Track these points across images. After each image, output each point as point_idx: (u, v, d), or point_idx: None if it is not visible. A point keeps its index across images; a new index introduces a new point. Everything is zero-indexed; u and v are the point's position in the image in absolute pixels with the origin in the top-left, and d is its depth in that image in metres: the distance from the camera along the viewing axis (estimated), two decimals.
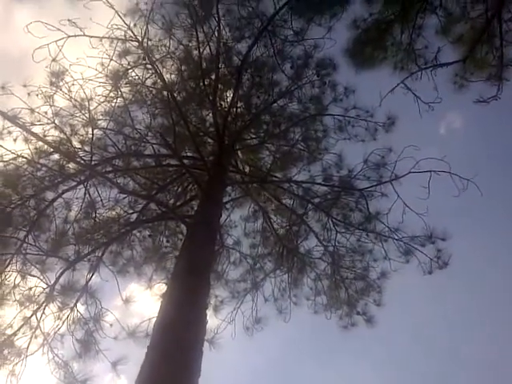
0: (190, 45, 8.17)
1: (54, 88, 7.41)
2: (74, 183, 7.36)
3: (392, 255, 7.85)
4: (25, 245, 6.94)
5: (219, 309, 8.26)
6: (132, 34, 7.11)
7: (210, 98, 7.88)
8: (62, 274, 6.72)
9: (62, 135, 7.32)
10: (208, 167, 7.19)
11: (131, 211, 8.20)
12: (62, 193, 7.36)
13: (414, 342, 12.69)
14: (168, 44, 7.77)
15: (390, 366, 12.99)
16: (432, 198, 7.17)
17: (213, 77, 8.12)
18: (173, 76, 8.34)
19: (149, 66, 7.53)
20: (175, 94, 8.06)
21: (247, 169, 8.98)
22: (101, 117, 7.69)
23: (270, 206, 8.86)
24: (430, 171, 7.14)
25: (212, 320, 7.79)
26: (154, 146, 7.98)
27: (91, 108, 7.36)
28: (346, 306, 8.45)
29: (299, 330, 10.48)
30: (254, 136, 9.09)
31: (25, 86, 7.31)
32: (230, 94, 8.47)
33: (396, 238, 7.69)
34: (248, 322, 8.08)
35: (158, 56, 7.70)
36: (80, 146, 7.57)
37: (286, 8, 7.14)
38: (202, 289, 4.53)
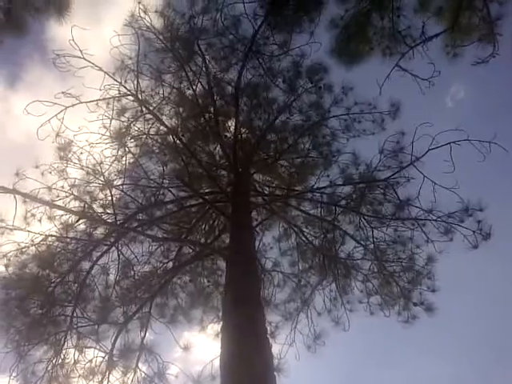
0: (182, 86, 8.31)
1: (65, 161, 7.56)
2: (106, 247, 7.41)
3: (433, 237, 7.69)
4: (74, 319, 6.97)
5: (276, 334, 8.15)
6: (125, 90, 7.24)
7: (214, 131, 7.95)
8: (116, 338, 6.72)
9: (83, 204, 7.41)
10: (229, 197, 7.22)
11: (166, 260, 8.21)
12: (97, 260, 7.41)
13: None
14: (161, 91, 7.89)
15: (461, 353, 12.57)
16: (458, 169, 7.05)
17: (211, 110, 8.22)
18: (173, 120, 8.46)
19: (148, 116, 7.66)
20: (180, 137, 8.17)
21: (267, 190, 8.99)
22: (115, 177, 7.79)
23: (299, 220, 8.80)
24: (449, 143, 7.03)
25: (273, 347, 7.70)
26: (172, 191, 8.03)
27: (104, 171, 7.47)
28: (402, 300, 8.26)
29: (362, 335, 10.24)
30: (265, 157, 9.10)
31: (37, 167, 7.49)
32: (232, 123, 8.53)
33: (433, 218, 7.53)
34: (308, 340, 7.94)
35: (154, 104, 7.82)
36: (102, 210, 7.65)
37: (264, 25, 7.18)
38: (257, 316, 4.49)
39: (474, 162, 6.98)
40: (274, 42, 7.57)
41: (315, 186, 8.43)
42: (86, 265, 7.50)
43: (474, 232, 7.28)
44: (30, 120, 6.63)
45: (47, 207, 7.24)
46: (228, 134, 8.69)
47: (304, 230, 8.77)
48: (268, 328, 7.92)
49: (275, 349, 7.59)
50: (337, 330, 8.16)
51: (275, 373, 6.40)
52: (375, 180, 7.93)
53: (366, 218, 8.10)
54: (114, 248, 7.47)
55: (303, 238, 8.74)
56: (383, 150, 7.82)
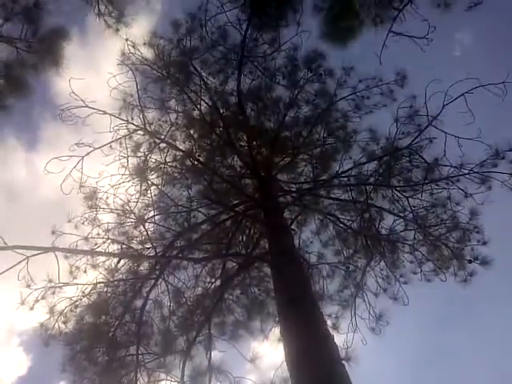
0: (187, 108, 8.41)
1: (94, 209, 7.73)
2: (153, 281, 7.50)
3: (471, 191, 7.53)
4: (140, 357, 7.06)
5: (338, 325, 8.09)
6: (134, 127, 7.37)
7: (228, 144, 8.01)
8: (184, 365, 6.76)
9: (121, 245, 7.54)
10: (259, 203, 7.24)
11: (213, 279, 8.26)
12: (147, 295, 7.50)
13: None
14: (168, 118, 8.01)
15: None
16: (478, 117, 6.88)
17: (221, 124, 8.29)
18: (187, 143, 8.55)
19: (162, 145, 7.76)
20: (197, 158, 8.27)
21: (294, 187, 8.97)
22: (145, 211, 7.91)
23: (333, 208, 8.74)
24: (463, 94, 6.87)
25: (338, 338, 7.65)
26: (202, 211, 8.12)
27: (133, 208, 7.60)
28: (455, 260, 8.09)
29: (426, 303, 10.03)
30: (284, 156, 9.10)
31: (69, 221, 7.68)
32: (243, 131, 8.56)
33: (465, 172, 7.37)
34: (370, 322, 7.84)
35: (165, 133, 7.93)
36: (141, 246, 7.77)
37: (250, 28, 7.21)
38: (313, 311, 4.47)
39: (491, 106, 6.84)
40: (263, 42, 7.59)
41: (340, 171, 8.40)
42: (138, 302, 7.61)
43: (510, 174, 7.09)
44: (54, 177, 6.81)
45: (89, 256, 7.40)
46: (243, 143, 8.74)
47: (340, 216, 8.71)
48: (328, 320, 8.10)
49: (340, 339, 7.58)
50: (397, 306, 8.06)
51: (344, 362, 6.48)
52: (398, 149, 7.83)
53: (398, 189, 8.00)
54: (160, 280, 7.55)
55: (341, 225, 8.69)
56: (398, 119, 7.73)
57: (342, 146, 8.70)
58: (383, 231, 8.35)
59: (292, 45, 8.06)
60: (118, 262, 7.36)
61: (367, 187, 8.15)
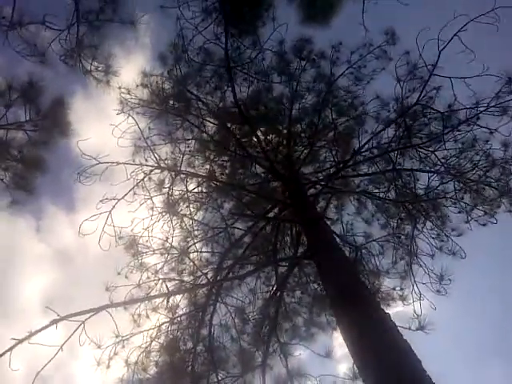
0: (195, 134, 8.53)
1: (137, 256, 7.90)
2: (212, 307, 7.60)
3: (495, 125, 7.32)
4: (222, 382, 7.16)
5: (404, 296, 7.95)
6: (149, 168, 7.51)
7: (244, 155, 8.08)
8: (264, 379, 6.83)
9: (172, 282, 7.69)
10: (290, 202, 7.24)
11: (270, 288, 8.29)
12: (210, 322, 7.59)
13: None
14: (179, 148, 8.16)
15: None
16: (479, 52, 6.66)
17: (231, 139, 8.38)
18: (205, 166, 8.67)
19: (182, 176, 7.89)
20: (218, 178, 8.38)
21: (320, 176, 8.93)
22: (185, 242, 8.05)
23: (364, 185, 8.65)
24: (456, 35, 6.69)
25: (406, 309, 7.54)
26: (238, 227, 8.20)
27: (172, 243, 7.75)
28: (503, 198, 7.85)
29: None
30: (302, 149, 9.08)
31: (118, 274, 7.86)
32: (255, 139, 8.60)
33: (483, 109, 7.16)
34: (433, 286, 7.65)
35: (179, 163, 8.04)
36: (192, 276, 7.91)
37: (229, 39, 7.26)
38: (363, 296, 4.40)
39: (488, 36, 6.62)
40: (245, 47, 7.63)
41: (361, 146, 8.29)
42: (205, 331, 7.71)
43: None
44: (95, 236, 7.03)
45: (146, 302, 7.56)
46: (258, 149, 8.78)
47: (374, 191, 8.62)
48: (395, 295, 7.97)
49: (408, 310, 7.46)
50: (456, 261, 7.86)
51: (424, 331, 6.37)
52: (409, 107, 7.68)
53: (421, 146, 7.86)
54: (218, 303, 7.64)
55: (378, 199, 8.58)
56: (399, 78, 7.61)
57: (354, 123, 8.62)
58: (421, 192, 8.20)
59: (276, 41, 8.07)
60: (168, 298, 7.48)
61: (391, 154, 8.04)
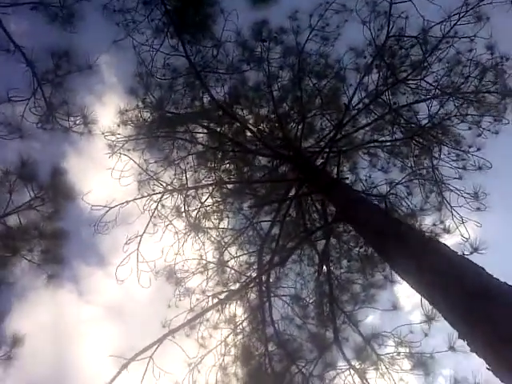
0: (190, 149, 8.51)
1: (180, 282, 7.91)
2: (266, 303, 7.55)
3: (472, 32, 7.20)
4: (304, 370, 7.12)
5: (447, 227, 7.80)
6: (157, 196, 7.54)
7: (245, 151, 8.05)
8: (342, 351, 6.78)
9: (222, 294, 7.68)
10: (303, 178, 7.18)
11: (315, 267, 8.23)
12: (272, 318, 7.54)
13: None
14: (180, 168, 8.18)
15: None
16: None
17: (227, 142, 8.39)
18: (212, 176, 8.65)
19: (192, 192, 7.92)
20: (228, 181, 8.38)
21: (323, 144, 8.84)
22: (218, 253, 8.05)
23: (368, 135, 8.57)
24: None
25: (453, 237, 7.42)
26: (264, 220, 8.17)
27: (207, 258, 7.78)
28: (506, 99, 7.70)
29: None
30: (295, 125, 9.00)
31: (169, 306, 7.87)
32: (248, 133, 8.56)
33: (456, 21, 7.05)
34: (471, 205, 7.50)
35: (185, 182, 8.04)
36: (239, 284, 7.89)
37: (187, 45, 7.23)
38: (408, 232, 4.30)
39: None
40: (204, 47, 7.59)
41: (349, 100, 8.17)
42: (270, 329, 7.69)
43: None
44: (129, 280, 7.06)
45: (204, 321, 7.58)
46: (255, 142, 8.73)
47: (380, 139, 8.52)
48: (436, 228, 7.84)
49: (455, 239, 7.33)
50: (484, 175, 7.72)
51: (478, 252, 6.24)
52: (382, 44, 7.58)
53: (408, 78, 7.81)
54: (272, 298, 7.61)
55: (387, 144, 8.49)
56: (363, 21, 7.54)
57: (336, 81, 8.53)
58: (425, 122, 8.09)
59: (233, 32, 8.01)
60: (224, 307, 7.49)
61: (383, 97, 7.93)
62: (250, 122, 8.88)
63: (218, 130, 8.45)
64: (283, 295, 7.99)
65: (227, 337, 7.54)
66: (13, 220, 8.51)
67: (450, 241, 7.63)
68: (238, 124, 8.43)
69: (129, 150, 7.83)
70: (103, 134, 7.70)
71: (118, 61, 8.05)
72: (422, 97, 7.99)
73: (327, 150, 7.28)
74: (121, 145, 7.73)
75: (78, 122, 7.21)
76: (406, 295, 7.79)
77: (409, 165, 8.55)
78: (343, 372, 6.93)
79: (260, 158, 8.87)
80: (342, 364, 7.03)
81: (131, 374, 4.87)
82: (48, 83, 6.54)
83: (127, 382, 5.07)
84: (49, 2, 6.03)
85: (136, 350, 5.29)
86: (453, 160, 7.96)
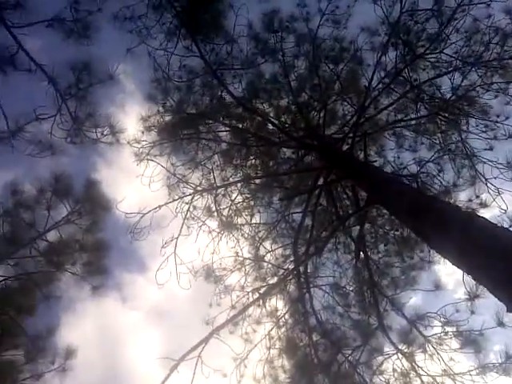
0: (215, 148, 8.56)
1: (219, 281, 7.96)
2: (306, 294, 7.55)
3: None
4: (350, 358, 7.09)
5: (484, 201, 7.61)
6: (188, 197, 7.61)
7: (269, 144, 8.07)
8: (388, 336, 6.72)
9: (261, 289, 7.70)
10: (331, 165, 7.13)
11: (352, 254, 8.16)
12: (313, 308, 7.53)
13: None
14: (206, 168, 8.23)
15: None
16: None
17: (249, 137, 8.39)
18: (238, 172, 8.67)
19: (221, 191, 7.96)
20: (256, 176, 8.39)
21: (346, 129, 8.76)
22: (254, 249, 8.10)
23: (391, 116, 8.44)
24: None
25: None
26: (296, 211, 8.15)
27: (243, 254, 7.81)
28: None
29: None
30: (317, 114, 8.92)
31: (210, 306, 7.94)
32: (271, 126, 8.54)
33: None
34: (506, 175, 7.30)
35: (213, 181, 8.10)
36: (276, 277, 7.90)
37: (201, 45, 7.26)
38: (443, 208, 4.19)
39: None
40: (218, 44, 7.61)
41: (369, 82, 8.05)
42: (312, 320, 7.67)
43: None
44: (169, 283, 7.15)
45: (246, 317, 7.62)
46: (278, 134, 8.70)
47: (405, 118, 8.36)
48: (471, 203, 7.66)
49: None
50: None
51: None
52: (397, 21, 7.43)
53: (427, 53, 7.61)
54: (311, 289, 7.60)
55: (412, 122, 8.33)
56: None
57: (353, 63, 8.42)
58: (449, 95, 7.90)
59: (245, 26, 8.00)
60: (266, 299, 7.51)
61: (402, 75, 7.79)
62: (271, 114, 8.84)
63: (240, 126, 8.45)
64: (322, 285, 7.96)
65: (271, 330, 7.56)
66: (53, 236, 8.78)
67: (487, 215, 7.48)
68: (260, 118, 8.42)
69: (155, 155, 7.92)
70: (129, 142, 7.81)
71: (135, 68, 8.12)
72: (443, 70, 7.79)
73: (351, 134, 7.18)
74: (147, 151, 7.82)
75: (105, 132, 7.29)
76: (448, 273, 7.69)
77: (437, 141, 8.39)
78: (391, 357, 6.87)
79: (285, 149, 8.85)
80: (388, 349, 6.99)
81: (181, 374, 4.94)
82: (72, 97, 6.63)
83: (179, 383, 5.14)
84: (63, 17, 6.10)
85: (183, 350, 5.37)
86: (482, 131, 7.74)
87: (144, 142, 7.94)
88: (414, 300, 7.58)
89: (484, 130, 7.69)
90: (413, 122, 8.39)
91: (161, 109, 8.06)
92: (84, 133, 7.09)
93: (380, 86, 8.07)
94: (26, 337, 7.86)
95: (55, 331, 8.09)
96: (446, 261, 3.88)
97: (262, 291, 7.68)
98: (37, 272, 8.19)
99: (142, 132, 8.00)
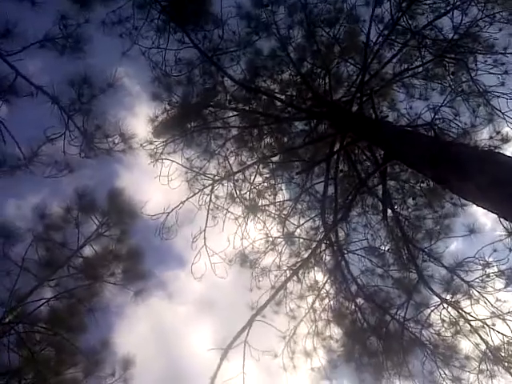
0: (226, 135, 8.54)
1: (254, 264, 8.03)
2: (342, 262, 7.56)
3: None
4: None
5: (507, 139, 7.42)
6: (209, 189, 7.66)
7: (279, 120, 8.00)
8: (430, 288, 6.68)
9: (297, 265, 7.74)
10: (344, 128, 7.05)
11: (380, 213, 8.09)
12: (351, 275, 7.55)
13: None
14: (221, 156, 8.25)
15: None
16: None
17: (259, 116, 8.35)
18: (253, 154, 8.66)
19: (240, 176, 7.97)
20: (271, 155, 8.38)
21: (353, 89, 8.60)
22: (282, 227, 8.14)
23: (397, 67, 8.25)
24: None
25: None
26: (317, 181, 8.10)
27: (274, 235, 7.85)
28: None
29: None
30: (321, 80, 8.77)
31: (251, 290, 8.03)
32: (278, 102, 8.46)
33: None
34: None
35: (229, 167, 8.11)
36: (310, 249, 7.92)
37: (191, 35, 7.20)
38: (463, 150, 4.13)
39: None
40: (209, 30, 7.53)
41: (367, 37, 7.85)
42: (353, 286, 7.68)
43: None
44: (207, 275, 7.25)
45: (287, 294, 7.70)
46: (287, 109, 8.61)
47: (411, 67, 8.16)
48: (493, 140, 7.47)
49: None
50: None
51: None
52: None
53: None
54: (347, 256, 7.60)
55: (419, 70, 8.12)
56: None
57: (349, 22, 8.22)
58: (451, 35, 7.66)
59: (234, 7, 7.87)
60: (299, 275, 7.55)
61: (400, 23, 7.58)
62: (276, 90, 8.75)
63: (247, 108, 8.39)
64: (357, 249, 7.93)
65: (313, 303, 7.61)
66: (87, 251, 8.95)
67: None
68: (265, 96, 8.35)
69: (169, 153, 7.96)
70: (141, 145, 7.86)
71: (137, 70, 8.13)
72: (442, 11, 7.55)
73: (359, 94, 7.06)
74: (160, 151, 7.86)
75: (116, 141, 7.32)
76: (484, 213, 7.55)
77: (447, 85, 8.17)
78: (436, 308, 6.85)
79: (296, 123, 8.76)
80: (433, 301, 6.96)
81: (232, 361, 5.02)
82: (77, 113, 6.67)
83: (233, 370, 5.21)
84: (52, 36, 6.12)
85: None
86: (492, 66, 7.51)
87: (156, 142, 7.96)
88: (452, 246, 7.51)
89: (493, 65, 7.46)
90: (420, 70, 8.17)
91: (167, 106, 8.05)
92: (95, 145, 7.14)
93: (380, 39, 7.87)
94: (81, 353, 8.00)
95: (110, 343, 8.23)
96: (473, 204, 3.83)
97: (297, 266, 7.74)
98: (77, 287, 8.33)
99: (153, 133, 8.03)
